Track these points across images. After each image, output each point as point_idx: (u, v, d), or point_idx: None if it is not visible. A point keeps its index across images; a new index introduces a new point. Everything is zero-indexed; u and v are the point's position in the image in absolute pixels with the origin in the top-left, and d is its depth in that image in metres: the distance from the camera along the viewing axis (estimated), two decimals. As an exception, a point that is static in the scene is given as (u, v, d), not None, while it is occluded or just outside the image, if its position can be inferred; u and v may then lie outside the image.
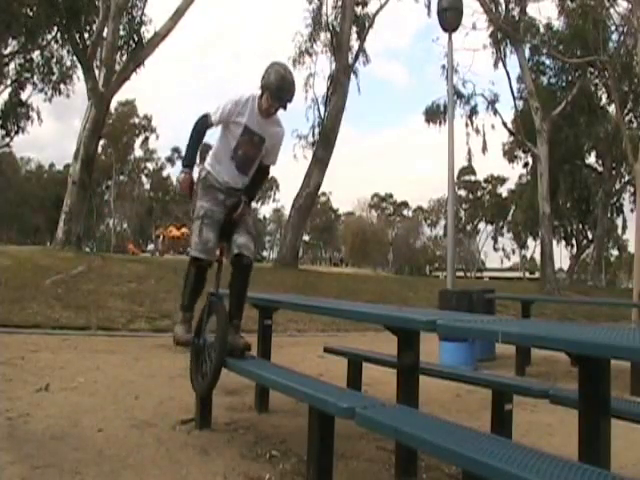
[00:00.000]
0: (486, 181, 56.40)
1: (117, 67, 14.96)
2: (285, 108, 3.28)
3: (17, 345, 5.89)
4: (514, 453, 1.75)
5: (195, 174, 3.43)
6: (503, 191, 52.72)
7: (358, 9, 19.79)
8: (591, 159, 27.93)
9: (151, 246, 46.41)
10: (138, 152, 56.84)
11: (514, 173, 61.71)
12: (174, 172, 68.04)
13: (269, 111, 3.27)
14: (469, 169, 49.64)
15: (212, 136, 3.49)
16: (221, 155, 3.40)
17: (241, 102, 3.27)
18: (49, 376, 4.47)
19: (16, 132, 24.61)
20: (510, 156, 31.82)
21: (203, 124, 3.34)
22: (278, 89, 3.20)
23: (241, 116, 3.27)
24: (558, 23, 21.04)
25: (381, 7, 20.05)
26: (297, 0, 20.50)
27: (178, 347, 4.04)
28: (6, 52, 19.94)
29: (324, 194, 61.13)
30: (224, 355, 3.14)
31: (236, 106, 3.26)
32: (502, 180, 52.55)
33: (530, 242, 44.79)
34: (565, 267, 38.19)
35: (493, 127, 22.63)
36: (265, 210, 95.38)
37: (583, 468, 1.66)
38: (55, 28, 16.68)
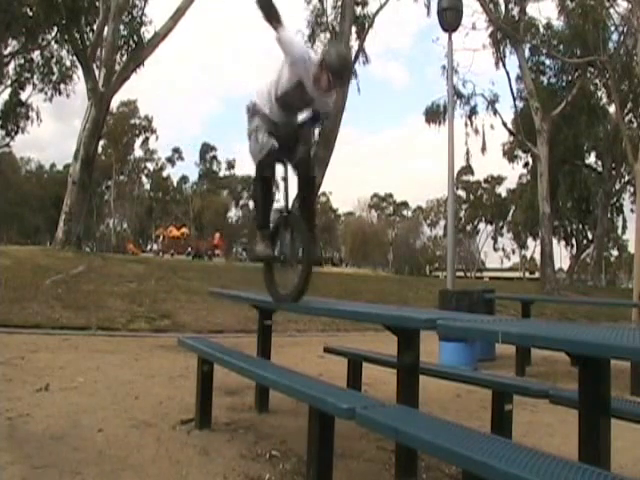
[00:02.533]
0: (486, 181, 56.38)
1: (117, 67, 14.97)
2: (342, 87, 3.32)
3: (17, 345, 5.89)
4: (514, 453, 1.75)
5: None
6: (503, 191, 52.75)
7: (358, 9, 19.80)
8: (591, 159, 27.97)
9: (155, 246, 46.41)
10: (138, 152, 56.92)
11: (514, 173, 61.80)
12: (174, 172, 68.20)
13: (327, 88, 3.24)
14: (469, 169, 49.63)
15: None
16: (270, 93, 3.38)
17: (302, 57, 3.21)
18: (49, 376, 4.47)
19: (16, 132, 24.62)
20: (510, 156, 31.80)
21: (277, 24, 3.20)
22: (341, 70, 3.18)
23: (297, 69, 3.22)
24: (558, 23, 21.08)
25: (381, 7, 20.06)
26: (297, 0, 20.39)
27: (179, 347, 4.07)
28: (6, 52, 19.93)
29: (324, 194, 61.08)
30: (312, 263, 3.21)
31: (300, 58, 3.20)
32: (502, 180, 52.56)
33: (530, 242, 44.76)
34: (565, 267, 38.19)
35: (493, 127, 22.64)
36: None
37: (583, 468, 1.66)
38: (55, 28, 16.68)
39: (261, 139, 3.29)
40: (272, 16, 3.22)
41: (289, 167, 3.44)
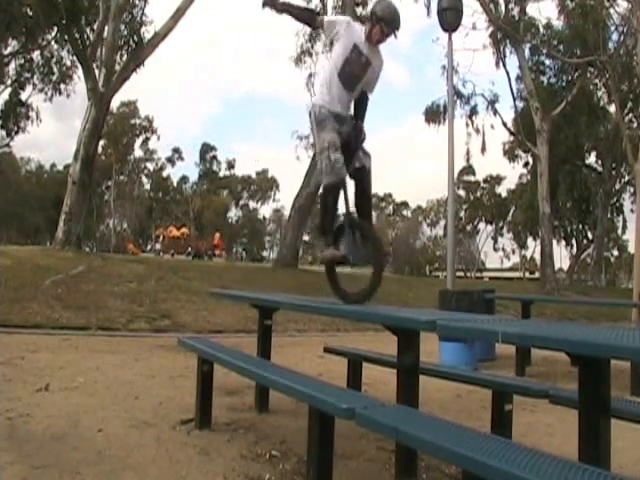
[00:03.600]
0: (486, 181, 56.37)
1: (117, 67, 14.97)
2: (396, 36, 3.47)
3: (17, 345, 5.89)
4: (514, 453, 1.75)
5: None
6: (503, 191, 52.74)
7: (358, 9, 19.81)
8: (591, 159, 27.97)
9: (157, 246, 46.39)
10: (138, 152, 56.91)
11: (514, 173, 61.78)
12: (174, 172, 68.16)
13: (381, 40, 3.47)
14: (469, 169, 49.64)
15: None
16: (328, 78, 3.52)
17: (352, 24, 3.51)
18: (49, 376, 4.47)
19: (16, 132, 24.62)
20: (510, 156, 31.83)
21: (312, 11, 3.63)
22: (393, 20, 3.43)
23: (353, 37, 3.45)
24: (558, 23, 21.07)
25: (381, 7, 20.06)
26: (297, 0, 20.38)
27: (179, 347, 4.07)
28: (6, 52, 19.94)
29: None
30: (384, 263, 3.43)
31: (348, 25, 3.48)
32: (502, 180, 52.55)
33: (530, 242, 44.81)
34: (565, 267, 38.19)
35: (493, 127, 22.64)
36: (265, 210, 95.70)
37: (583, 468, 1.66)
38: (55, 28, 16.68)
39: (334, 158, 3.37)
40: (301, 16, 3.63)
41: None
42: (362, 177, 3.52)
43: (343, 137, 3.46)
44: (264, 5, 3.61)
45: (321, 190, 3.63)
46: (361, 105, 3.63)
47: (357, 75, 3.49)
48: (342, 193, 3.51)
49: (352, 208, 3.55)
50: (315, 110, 3.49)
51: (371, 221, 3.63)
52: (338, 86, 3.48)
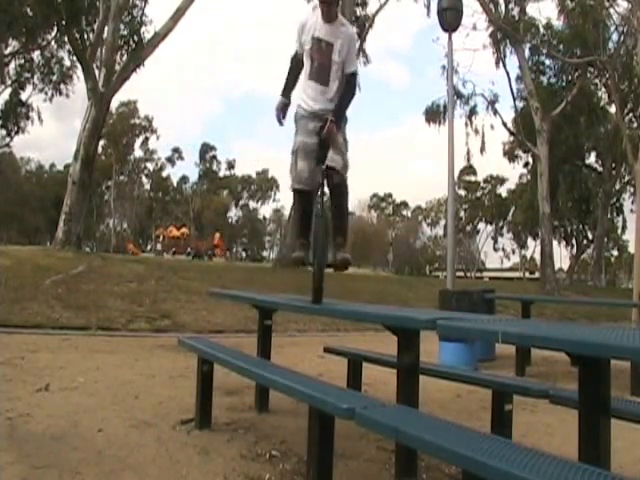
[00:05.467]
0: (486, 181, 56.39)
1: (117, 67, 14.96)
2: (327, 4, 3.37)
3: (17, 345, 5.89)
4: (514, 453, 1.75)
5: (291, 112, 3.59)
6: (503, 191, 52.76)
7: (358, 9, 19.82)
8: (591, 159, 27.97)
9: (158, 246, 46.41)
10: (138, 152, 56.93)
11: (514, 173, 61.76)
12: (174, 172, 68.20)
13: (325, 11, 3.39)
14: (469, 169, 49.65)
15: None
16: (303, 80, 3.53)
17: (305, 21, 3.49)
18: (49, 376, 4.47)
19: (16, 132, 24.65)
20: (510, 156, 31.83)
21: (292, 59, 3.61)
22: None
23: (308, 32, 3.45)
24: (558, 23, 21.07)
25: (380, 7, 20.12)
26: (297, 0, 20.40)
27: (179, 347, 4.07)
28: (6, 52, 19.94)
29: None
30: (323, 268, 3.34)
31: (303, 26, 3.48)
32: (502, 180, 52.57)
33: (530, 242, 44.85)
34: (565, 267, 38.19)
35: (493, 127, 22.67)
36: (265, 210, 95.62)
37: (583, 468, 1.66)
38: (55, 28, 16.68)
39: (299, 166, 3.37)
40: (296, 73, 3.61)
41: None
42: (332, 183, 3.37)
43: (318, 134, 3.40)
44: (280, 123, 3.56)
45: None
46: (343, 93, 3.47)
47: (324, 64, 3.42)
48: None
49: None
50: (295, 111, 3.54)
51: (342, 221, 3.49)
52: (310, 85, 3.47)
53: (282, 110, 3.56)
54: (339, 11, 3.56)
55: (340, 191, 3.43)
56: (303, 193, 3.45)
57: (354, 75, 3.53)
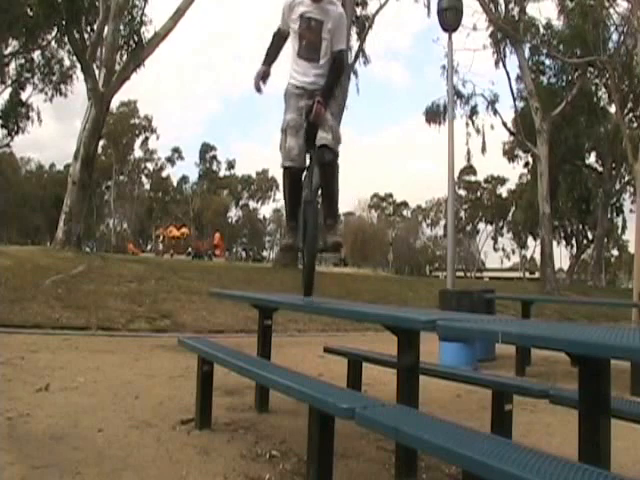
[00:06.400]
0: (486, 181, 56.39)
1: (117, 67, 14.96)
2: None
3: (17, 345, 5.89)
4: (514, 453, 1.75)
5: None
6: (503, 191, 52.78)
7: (358, 10, 19.81)
8: (591, 159, 27.98)
9: (160, 246, 46.38)
10: (138, 152, 56.93)
11: (514, 173, 61.76)
12: (174, 172, 68.17)
13: None
14: (470, 169, 49.66)
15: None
16: (293, 58, 3.51)
17: (290, 3, 3.45)
18: (49, 376, 4.47)
19: (16, 132, 24.64)
20: (510, 156, 31.86)
21: (274, 34, 3.58)
22: None
23: (296, 9, 3.42)
24: (558, 23, 21.08)
25: (380, 7, 20.10)
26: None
27: (179, 347, 4.07)
28: (7, 52, 19.94)
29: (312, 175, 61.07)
30: (314, 254, 3.37)
31: (289, 5, 3.44)
32: (502, 180, 52.59)
33: (530, 242, 44.87)
34: (565, 267, 38.21)
35: (493, 127, 22.68)
36: (265, 210, 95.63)
37: (583, 468, 1.66)
38: (55, 28, 16.67)
39: (288, 144, 3.34)
40: (278, 47, 3.59)
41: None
42: (323, 161, 3.34)
43: (306, 112, 3.39)
44: (258, 90, 3.55)
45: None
46: (331, 71, 3.46)
47: (314, 41, 3.43)
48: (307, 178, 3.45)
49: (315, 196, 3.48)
50: (285, 89, 3.51)
51: (333, 206, 3.47)
52: (300, 63, 3.46)
53: (262, 77, 3.54)
54: None
55: (331, 171, 3.41)
56: (293, 170, 3.40)
57: (342, 52, 3.56)
